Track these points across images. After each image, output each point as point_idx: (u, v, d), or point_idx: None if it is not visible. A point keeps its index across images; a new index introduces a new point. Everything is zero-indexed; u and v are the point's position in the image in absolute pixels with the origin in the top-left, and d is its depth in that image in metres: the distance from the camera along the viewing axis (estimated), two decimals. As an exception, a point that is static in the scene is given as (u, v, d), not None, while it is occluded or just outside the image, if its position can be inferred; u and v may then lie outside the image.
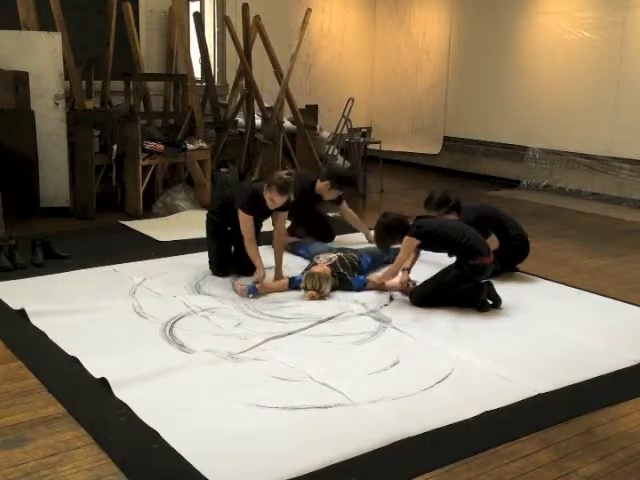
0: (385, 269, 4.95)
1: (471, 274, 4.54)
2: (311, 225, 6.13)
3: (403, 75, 11.04)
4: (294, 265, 5.21)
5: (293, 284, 4.86)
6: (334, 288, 4.78)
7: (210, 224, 5.19)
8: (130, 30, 8.37)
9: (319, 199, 6.04)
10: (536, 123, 9.24)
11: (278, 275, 4.97)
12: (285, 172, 4.86)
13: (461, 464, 2.80)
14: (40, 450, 2.80)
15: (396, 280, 4.83)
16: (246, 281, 4.83)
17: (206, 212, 5.40)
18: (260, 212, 4.89)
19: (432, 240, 4.66)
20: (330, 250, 5.26)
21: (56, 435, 2.92)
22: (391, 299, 4.71)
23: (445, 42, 10.40)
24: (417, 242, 4.63)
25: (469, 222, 4.92)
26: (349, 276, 4.85)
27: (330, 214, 6.60)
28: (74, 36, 7.43)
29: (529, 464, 2.83)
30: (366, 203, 8.24)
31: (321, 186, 5.91)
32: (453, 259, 4.70)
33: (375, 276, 4.96)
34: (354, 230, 6.19)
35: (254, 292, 4.67)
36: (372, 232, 5.25)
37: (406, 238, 4.62)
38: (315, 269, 4.77)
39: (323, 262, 4.91)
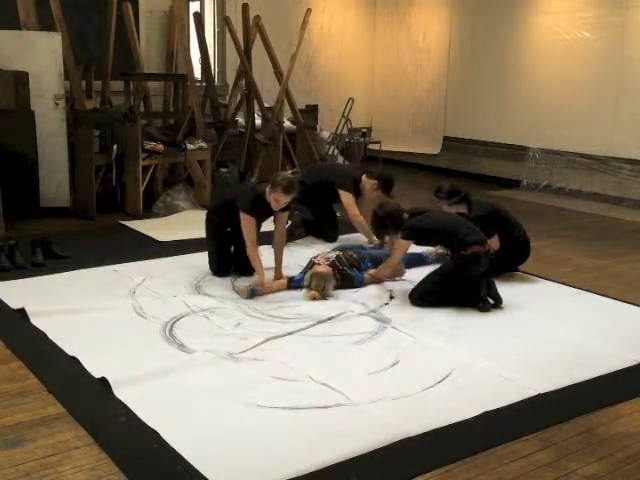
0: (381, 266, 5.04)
1: (467, 264, 4.53)
2: (321, 220, 6.13)
3: (403, 75, 11.04)
4: (294, 265, 5.21)
5: (292, 284, 4.87)
6: (336, 287, 4.79)
7: (210, 224, 5.19)
8: (130, 30, 8.37)
9: (358, 195, 6.01)
10: (536, 123, 9.24)
11: (278, 275, 4.98)
12: (290, 172, 4.88)
13: (461, 464, 2.80)
14: (40, 450, 2.80)
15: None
16: (243, 282, 4.86)
17: (206, 212, 5.39)
18: (262, 213, 4.90)
19: (424, 237, 4.77)
20: (345, 249, 5.30)
21: (56, 435, 2.92)
22: (391, 298, 4.71)
23: (445, 42, 10.40)
24: (410, 243, 4.75)
25: (478, 217, 4.97)
26: (350, 271, 4.88)
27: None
28: (74, 36, 7.44)
29: (529, 464, 2.83)
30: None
31: (368, 184, 5.88)
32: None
33: (372, 271, 5.05)
34: (355, 230, 6.17)
35: (254, 295, 4.66)
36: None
37: (398, 241, 4.76)
38: (319, 269, 4.78)
39: (322, 261, 4.92)
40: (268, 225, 5.15)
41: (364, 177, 5.92)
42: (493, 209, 5.28)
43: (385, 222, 4.83)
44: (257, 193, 4.86)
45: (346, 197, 5.85)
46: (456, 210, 5.14)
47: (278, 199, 4.70)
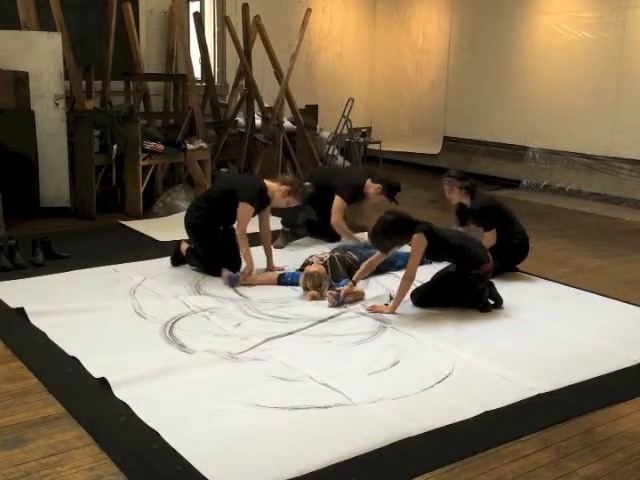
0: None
1: (474, 282, 4.50)
2: (325, 222, 6.13)
3: (403, 75, 11.04)
4: (294, 265, 5.22)
5: (282, 279, 4.94)
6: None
7: (200, 225, 5.08)
8: (130, 30, 8.36)
9: (362, 198, 5.99)
10: (536, 123, 9.23)
11: (270, 266, 5.17)
12: (309, 185, 5.28)
13: (461, 464, 2.80)
14: (40, 450, 2.80)
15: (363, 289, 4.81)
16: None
17: (190, 217, 5.17)
18: (259, 208, 5.05)
19: (439, 247, 4.47)
20: (343, 249, 5.33)
21: (56, 435, 2.92)
22: (391, 298, 4.70)
23: (445, 42, 10.39)
24: (426, 242, 4.35)
25: (481, 208, 5.07)
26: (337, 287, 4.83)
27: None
28: (74, 36, 7.44)
29: (529, 464, 2.83)
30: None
31: (372, 187, 5.80)
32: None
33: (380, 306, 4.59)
34: (357, 230, 6.16)
35: (235, 282, 4.82)
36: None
37: (416, 236, 4.33)
38: (312, 269, 4.79)
39: (316, 261, 4.94)
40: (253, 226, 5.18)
41: (368, 181, 5.83)
42: (496, 203, 5.35)
43: (398, 227, 4.36)
44: (260, 186, 5.00)
45: (337, 202, 5.79)
46: (461, 199, 5.18)
47: (291, 203, 5.04)
